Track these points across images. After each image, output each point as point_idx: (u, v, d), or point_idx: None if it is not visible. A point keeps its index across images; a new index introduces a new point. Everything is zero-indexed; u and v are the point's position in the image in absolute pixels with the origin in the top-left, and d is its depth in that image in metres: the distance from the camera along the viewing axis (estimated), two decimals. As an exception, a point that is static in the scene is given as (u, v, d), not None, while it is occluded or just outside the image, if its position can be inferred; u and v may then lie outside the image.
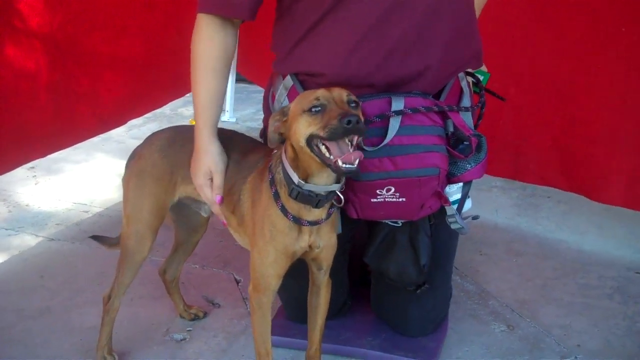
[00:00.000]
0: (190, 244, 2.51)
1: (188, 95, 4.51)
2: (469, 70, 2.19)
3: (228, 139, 2.12)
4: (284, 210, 1.84)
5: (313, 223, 1.86)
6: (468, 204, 2.07)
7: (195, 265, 3.00)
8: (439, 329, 2.48)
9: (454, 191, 2.02)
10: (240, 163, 2.06)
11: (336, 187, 1.79)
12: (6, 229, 3.38)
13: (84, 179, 4.02)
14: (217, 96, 2.04)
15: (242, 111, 5.70)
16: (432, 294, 2.35)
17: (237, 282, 2.91)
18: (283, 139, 1.81)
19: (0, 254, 3.13)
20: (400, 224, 2.14)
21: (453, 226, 2.04)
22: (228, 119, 5.41)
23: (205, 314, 2.65)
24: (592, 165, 3.13)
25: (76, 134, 3.40)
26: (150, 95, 4.03)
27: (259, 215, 1.92)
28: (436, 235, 2.22)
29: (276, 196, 1.85)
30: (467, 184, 2.01)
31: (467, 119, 2.02)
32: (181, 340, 2.50)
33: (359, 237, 2.39)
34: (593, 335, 2.54)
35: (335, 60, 1.92)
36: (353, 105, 1.72)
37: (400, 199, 1.91)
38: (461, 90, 2.09)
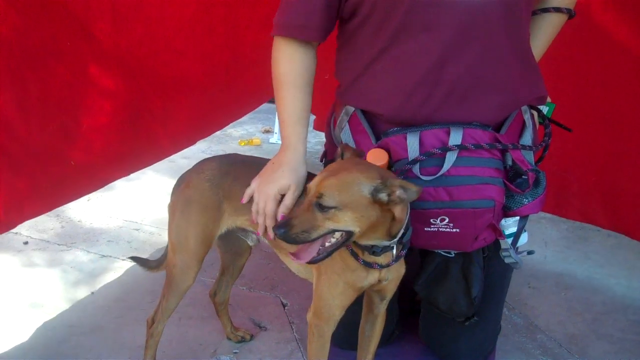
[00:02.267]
0: (235, 268, 2.53)
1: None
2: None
3: None
4: (354, 254, 1.85)
5: (383, 266, 1.87)
6: (524, 239, 2.07)
7: (242, 287, 3.03)
8: (486, 361, 2.47)
9: (509, 224, 2.01)
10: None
11: (387, 243, 1.80)
12: (59, 244, 3.45)
13: (135, 197, 4.09)
14: (305, 112, 2.06)
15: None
16: (483, 327, 2.34)
17: (284, 305, 2.92)
18: None
19: (52, 269, 3.20)
20: (454, 255, 2.14)
21: (507, 260, 2.03)
22: (277, 140, 5.43)
23: (252, 337, 2.67)
24: (636, 204, 3.07)
25: (152, 154, 3.43)
26: (213, 115, 4.08)
27: None
28: (489, 267, 2.21)
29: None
30: (524, 219, 2.01)
31: (528, 153, 2.01)
32: (228, 361, 2.54)
33: (411, 266, 2.39)
34: (644, 374, 2.50)
35: (392, 102, 1.94)
36: (322, 208, 1.66)
37: (454, 230, 1.91)
38: (524, 123, 2.06)
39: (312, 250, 1.71)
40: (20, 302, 2.88)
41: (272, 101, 4.28)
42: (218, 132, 5.52)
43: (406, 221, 1.77)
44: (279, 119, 2.10)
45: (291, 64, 2.04)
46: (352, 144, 2.08)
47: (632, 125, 2.97)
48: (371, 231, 1.72)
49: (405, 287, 2.45)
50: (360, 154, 1.86)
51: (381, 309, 2.11)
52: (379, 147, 1.96)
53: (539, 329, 2.78)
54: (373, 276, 1.90)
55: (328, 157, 2.34)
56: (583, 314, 2.91)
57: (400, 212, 1.71)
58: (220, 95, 4.04)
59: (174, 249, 2.22)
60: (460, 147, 1.86)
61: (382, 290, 2.02)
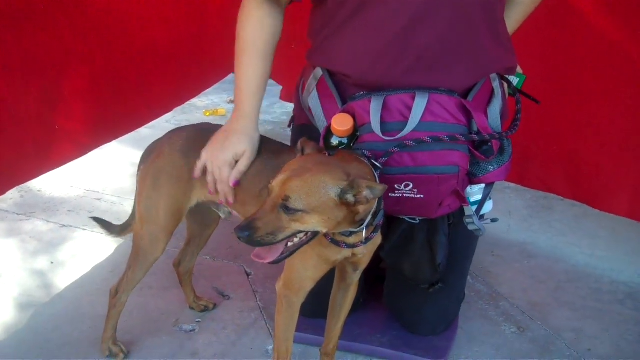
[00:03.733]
0: (202, 238, 2.50)
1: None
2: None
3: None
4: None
5: (351, 245, 1.82)
6: (488, 206, 2.06)
7: (206, 256, 2.99)
8: (449, 329, 2.47)
9: (475, 192, 2.00)
10: (271, 164, 2.00)
11: (355, 229, 1.74)
12: (18, 214, 3.38)
13: (97, 166, 3.99)
14: (265, 81, 2.05)
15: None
16: (447, 294, 2.35)
17: (248, 274, 2.90)
18: None
19: (12, 239, 3.14)
20: (418, 221, 2.12)
21: (470, 227, 2.02)
22: (240, 110, 5.36)
23: (215, 306, 2.65)
24: (597, 173, 3.08)
25: (132, 120, 3.41)
26: (186, 83, 4.04)
27: None
28: (454, 235, 2.20)
29: None
30: (489, 186, 2.00)
31: (494, 121, 1.99)
32: (190, 331, 2.50)
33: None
34: (604, 340, 2.52)
35: (360, 64, 1.91)
36: (288, 210, 1.59)
37: (418, 196, 1.88)
38: (492, 91, 2.03)
39: (277, 251, 1.66)
40: (-24, 272, 2.82)
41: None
42: (182, 102, 5.48)
43: (374, 208, 1.73)
44: (236, 84, 2.06)
45: (259, 29, 2.01)
46: (319, 107, 2.05)
47: (594, 95, 2.98)
48: (336, 227, 1.69)
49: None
50: (320, 149, 1.81)
51: (354, 278, 2.08)
52: (344, 111, 1.93)
53: (502, 297, 2.79)
54: (347, 251, 1.87)
55: (296, 122, 2.31)
56: (546, 282, 2.93)
57: (365, 208, 1.67)
58: (189, 64, 4.01)
59: (143, 220, 2.17)
60: (418, 142, 1.81)
61: (357, 262, 1.99)
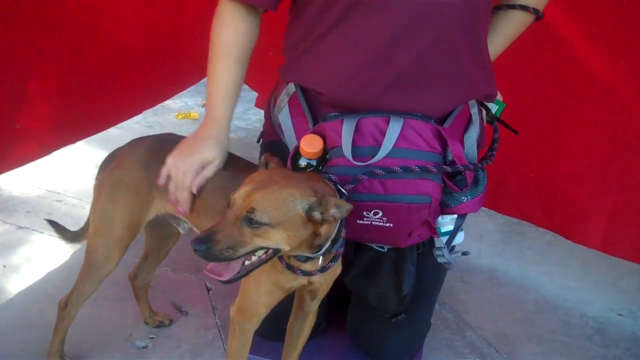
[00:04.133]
0: (161, 253, 2.39)
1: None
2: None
3: None
4: (279, 257, 1.69)
5: (307, 273, 1.72)
6: (460, 238, 1.99)
7: (166, 268, 2.88)
8: (413, 359, 2.38)
9: (446, 222, 1.93)
10: (237, 177, 1.85)
11: (312, 255, 1.65)
12: (-27, 213, 3.24)
13: (60, 165, 3.84)
14: (238, 87, 1.94)
15: (229, 108, 5.53)
16: (412, 325, 2.26)
17: (208, 290, 2.79)
18: None
19: (-37, 239, 2.99)
20: (386, 250, 2.04)
21: (440, 260, 1.95)
22: (215, 115, 5.24)
23: (171, 322, 2.54)
24: (572, 204, 3.02)
25: (97, 122, 3.27)
26: (159, 85, 3.92)
27: None
28: (423, 265, 2.11)
29: None
30: (461, 217, 1.92)
31: (470, 149, 1.91)
32: (143, 347, 2.40)
33: (343, 258, 2.27)
34: (571, 379, 2.46)
35: (335, 81, 1.82)
36: (252, 224, 1.49)
37: (388, 224, 1.80)
38: (470, 118, 1.95)
39: (233, 268, 1.54)
40: None
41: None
42: (154, 103, 5.34)
43: (334, 234, 1.64)
44: (208, 89, 1.95)
45: (235, 34, 1.90)
46: (290, 125, 1.96)
47: (572, 124, 2.92)
48: (297, 247, 1.59)
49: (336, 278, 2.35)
50: (284, 166, 1.73)
51: (312, 307, 1.99)
52: (314, 132, 1.84)
53: (469, 326, 2.71)
54: (302, 278, 1.77)
55: (265, 137, 2.21)
56: (514, 312, 2.86)
57: (328, 229, 1.58)
58: (164, 65, 3.90)
59: (97, 233, 2.05)
60: (388, 172, 1.73)
61: (314, 290, 1.90)
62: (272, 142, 2.14)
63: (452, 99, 1.88)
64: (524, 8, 2.04)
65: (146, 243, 2.37)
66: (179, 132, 4.62)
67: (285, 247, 1.54)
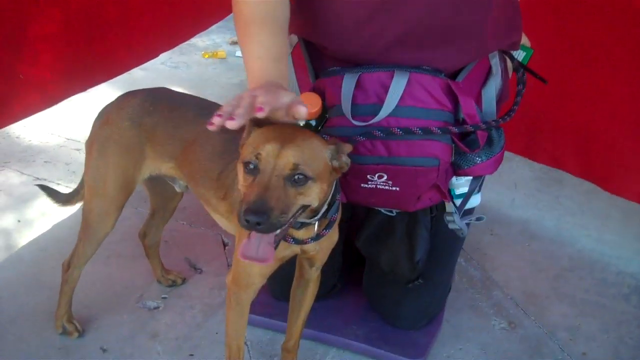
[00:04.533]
0: (167, 211, 2.30)
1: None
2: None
3: (206, 106, 1.86)
4: None
5: (299, 241, 1.58)
6: (475, 200, 1.84)
7: (182, 222, 2.79)
8: (432, 323, 2.26)
9: (461, 184, 1.78)
10: (237, 138, 1.74)
11: (308, 221, 1.51)
12: (-8, 163, 3.19)
13: (80, 111, 3.73)
14: (286, 51, 1.61)
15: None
16: (429, 290, 2.14)
17: (225, 245, 2.70)
18: None
19: (-20, 191, 2.95)
20: (395, 214, 1.90)
21: (450, 226, 1.81)
22: (244, 54, 5.07)
23: (184, 281, 2.47)
24: (610, 152, 2.80)
25: (110, 67, 3.15)
26: (177, 26, 3.78)
27: None
28: (438, 228, 1.98)
29: None
30: (477, 179, 1.77)
31: (489, 104, 1.74)
32: (154, 308, 2.34)
33: (354, 219, 2.15)
34: (602, 343, 2.32)
35: (339, 33, 1.66)
36: (296, 182, 1.33)
37: (393, 188, 1.67)
38: (489, 70, 1.78)
39: (268, 244, 1.35)
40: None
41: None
42: (181, 42, 5.20)
43: (329, 198, 1.50)
44: (246, 56, 1.56)
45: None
46: (293, 78, 1.82)
47: (611, 67, 2.68)
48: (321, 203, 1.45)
49: (350, 238, 2.22)
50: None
51: (312, 274, 1.88)
52: (314, 88, 1.71)
53: (496, 285, 2.57)
54: (295, 247, 1.64)
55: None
56: (546, 269, 2.70)
57: (330, 185, 1.45)
58: (184, 2, 3.74)
59: (91, 193, 1.98)
60: (386, 133, 1.57)
61: (311, 259, 1.78)
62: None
63: (468, 53, 1.70)
64: None
65: (151, 201, 2.29)
66: (205, 72, 4.53)
67: (315, 203, 1.39)
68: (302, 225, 1.52)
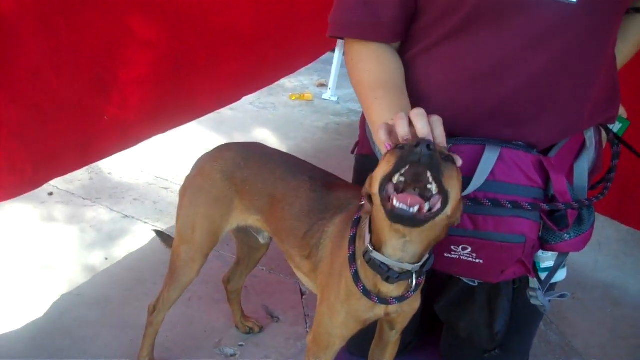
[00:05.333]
0: (251, 261, 2.36)
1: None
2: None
3: (295, 164, 1.92)
4: (356, 278, 1.57)
5: (382, 300, 1.58)
6: (561, 275, 1.81)
7: (262, 267, 2.84)
8: (509, 389, 2.23)
9: (547, 257, 1.75)
10: (324, 198, 1.80)
11: (410, 267, 1.48)
12: (83, 199, 3.32)
13: (170, 149, 3.90)
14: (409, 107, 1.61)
15: (345, 89, 5.35)
16: (508, 358, 2.10)
17: (302, 294, 2.74)
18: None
19: (72, 227, 3.08)
20: (477, 284, 1.89)
21: (533, 301, 1.78)
22: (330, 97, 5.17)
23: (261, 329, 2.50)
24: None
25: (193, 110, 3.27)
26: (263, 72, 3.86)
27: (338, 268, 1.66)
28: (519, 300, 1.95)
29: (352, 258, 1.58)
30: (563, 254, 1.74)
31: (580, 179, 1.72)
32: (231, 355, 2.38)
33: (433, 284, 2.14)
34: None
35: (435, 101, 1.66)
36: (445, 159, 1.35)
37: (477, 260, 1.65)
38: (583, 143, 1.76)
39: (418, 199, 1.29)
40: (32, 262, 2.77)
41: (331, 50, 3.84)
42: (268, 83, 5.30)
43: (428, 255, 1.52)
44: (374, 121, 1.63)
45: (381, 64, 1.69)
46: None
47: None
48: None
49: (429, 299, 2.21)
50: None
51: (392, 337, 1.89)
52: None
53: (576, 352, 2.52)
54: (380, 307, 1.64)
55: (359, 150, 2.10)
56: (629, 338, 2.63)
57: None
58: (272, 49, 3.81)
59: (180, 239, 2.06)
60: (476, 204, 1.56)
61: (393, 321, 1.79)
62: (365, 156, 2.03)
63: (564, 130, 1.69)
64: None
65: (237, 249, 2.36)
66: (291, 114, 4.60)
67: (449, 210, 1.36)
68: (398, 278, 1.50)
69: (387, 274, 1.49)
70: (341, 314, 1.68)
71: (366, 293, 1.57)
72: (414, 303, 1.72)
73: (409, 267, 1.49)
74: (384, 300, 1.59)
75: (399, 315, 1.74)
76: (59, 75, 2.35)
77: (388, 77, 1.67)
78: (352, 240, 1.59)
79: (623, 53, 1.83)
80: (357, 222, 1.60)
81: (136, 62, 2.72)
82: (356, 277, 1.57)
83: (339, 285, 1.65)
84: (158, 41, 2.80)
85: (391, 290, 1.57)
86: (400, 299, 1.59)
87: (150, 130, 2.97)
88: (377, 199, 1.38)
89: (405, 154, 1.28)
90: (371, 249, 1.48)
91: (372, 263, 1.50)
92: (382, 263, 1.48)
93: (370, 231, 1.50)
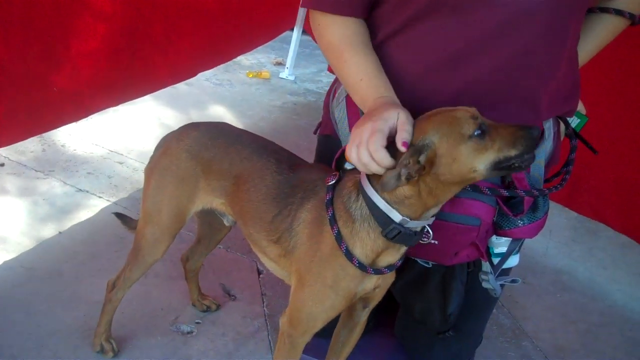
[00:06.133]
0: (212, 241, 2.34)
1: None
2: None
3: (262, 146, 1.89)
4: (348, 255, 1.58)
5: (377, 271, 1.62)
6: (513, 261, 1.85)
7: (220, 246, 2.83)
8: (461, 370, 2.28)
9: (500, 243, 1.79)
10: (289, 181, 1.78)
11: (430, 221, 1.57)
12: (36, 171, 3.25)
13: (127, 124, 3.84)
14: (379, 67, 1.67)
15: (303, 69, 5.37)
16: (460, 340, 2.15)
17: (259, 272, 2.74)
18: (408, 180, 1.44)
19: (25, 199, 3.01)
20: (431, 266, 1.92)
21: (484, 285, 1.82)
22: (287, 76, 5.14)
23: (218, 307, 2.50)
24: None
25: (147, 84, 3.24)
26: (220, 48, 3.83)
27: (321, 256, 1.65)
28: (473, 284, 1.99)
29: (339, 238, 1.58)
30: (517, 240, 1.78)
31: (537, 169, 1.74)
32: (187, 333, 2.37)
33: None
34: (629, 405, 2.32)
35: (399, 85, 1.65)
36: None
37: (432, 241, 1.68)
38: (542, 133, 1.78)
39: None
40: (-18, 234, 2.71)
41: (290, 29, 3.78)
42: (225, 59, 5.26)
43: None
44: (347, 81, 1.69)
45: (346, 29, 1.70)
46: (345, 123, 1.84)
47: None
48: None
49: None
50: None
51: (362, 317, 1.91)
52: None
53: (526, 335, 2.58)
54: (371, 281, 1.67)
55: (322, 130, 2.09)
56: (577, 322, 2.71)
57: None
58: (231, 25, 3.78)
59: (146, 219, 2.02)
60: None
61: (369, 299, 1.80)
62: (328, 136, 2.03)
63: (524, 118, 1.71)
64: (618, 12, 1.82)
65: (198, 229, 2.33)
66: (248, 92, 4.58)
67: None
68: (406, 239, 1.55)
69: (415, 238, 1.56)
70: (330, 296, 1.67)
71: (362, 267, 1.59)
72: (390, 278, 1.74)
73: (430, 220, 1.56)
74: (378, 271, 1.62)
75: (379, 291, 1.75)
76: (8, 45, 2.31)
77: (352, 37, 1.69)
78: (334, 220, 1.60)
79: (585, 50, 1.87)
80: (330, 203, 1.61)
81: (89, 34, 2.67)
82: (349, 255, 1.58)
83: (326, 269, 1.64)
84: (114, 13, 2.75)
85: (393, 258, 1.62)
86: (391, 267, 1.63)
87: (102, 102, 2.93)
88: (483, 175, 1.45)
89: (526, 137, 1.43)
90: (408, 220, 1.51)
91: (401, 236, 1.53)
92: (411, 229, 1.53)
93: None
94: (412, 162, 1.42)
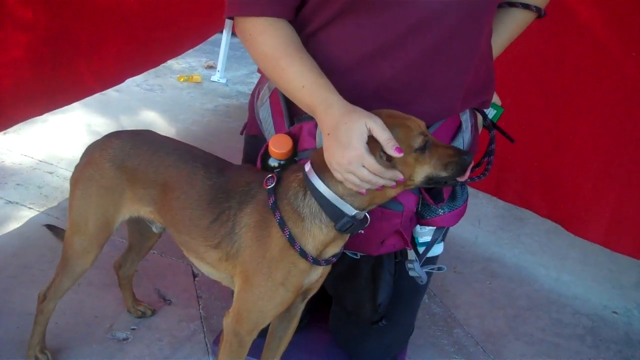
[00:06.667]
0: (143, 248, 2.34)
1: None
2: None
3: (186, 151, 1.90)
4: (303, 253, 1.63)
5: (335, 256, 1.71)
6: (438, 249, 1.93)
7: (153, 251, 2.82)
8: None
9: (424, 232, 1.86)
10: (222, 185, 1.78)
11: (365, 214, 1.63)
12: (-37, 184, 3.19)
13: (55, 133, 3.79)
14: (317, 70, 1.65)
15: (234, 72, 5.38)
16: (392, 330, 2.21)
17: (195, 276, 2.75)
18: None
19: (-50, 213, 2.95)
20: (359, 257, 1.98)
21: (410, 273, 1.90)
22: (218, 79, 5.14)
23: (154, 312, 2.50)
24: (575, 195, 2.96)
25: (74, 91, 3.18)
26: (149, 53, 3.79)
27: (271, 256, 1.66)
28: (402, 273, 2.05)
29: (291, 239, 1.62)
30: (440, 229, 1.85)
31: None
32: (123, 339, 2.37)
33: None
34: (557, 383, 2.41)
35: (333, 68, 1.69)
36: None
37: (359, 230, 1.72)
38: (459, 125, 1.86)
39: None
40: None
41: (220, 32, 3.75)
42: (156, 64, 5.22)
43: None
44: (289, 90, 1.69)
45: (277, 37, 1.69)
46: (270, 122, 1.89)
47: (578, 115, 2.82)
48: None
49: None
50: None
51: (300, 308, 1.95)
52: (290, 132, 1.78)
53: (457, 322, 2.66)
54: (316, 273, 1.74)
55: (247, 130, 2.12)
56: (505, 308, 2.80)
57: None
58: (158, 30, 3.76)
59: (73, 229, 2.00)
60: None
61: (309, 289, 1.84)
62: (254, 136, 2.06)
63: (437, 112, 1.78)
64: (525, 6, 1.92)
65: (129, 237, 2.33)
66: (180, 96, 4.56)
67: None
68: (353, 227, 1.62)
69: (361, 226, 1.63)
70: (280, 293, 1.70)
71: (316, 262, 1.66)
72: (328, 268, 1.80)
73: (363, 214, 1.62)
74: (328, 261, 1.70)
75: (317, 281, 1.80)
76: None
77: (285, 43, 1.68)
78: (284, 223, 1.63)
79: (498, 43, 1.95)
80: (275, 206, 1.64)
81: (11, 44, 2.63)
82: (303, 253, 1.63)
83: (277, 269, 1.67)
84: (36, 22, 2.72)
85: (338, 247, 1.70)
86: (336, 255, 1.71)
87: (27, 112, 2.89)
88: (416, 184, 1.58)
89: (458, 164, 1.55)
90: (360, 212, 1.59)
91: (354, 226, 1.60)
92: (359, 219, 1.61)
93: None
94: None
